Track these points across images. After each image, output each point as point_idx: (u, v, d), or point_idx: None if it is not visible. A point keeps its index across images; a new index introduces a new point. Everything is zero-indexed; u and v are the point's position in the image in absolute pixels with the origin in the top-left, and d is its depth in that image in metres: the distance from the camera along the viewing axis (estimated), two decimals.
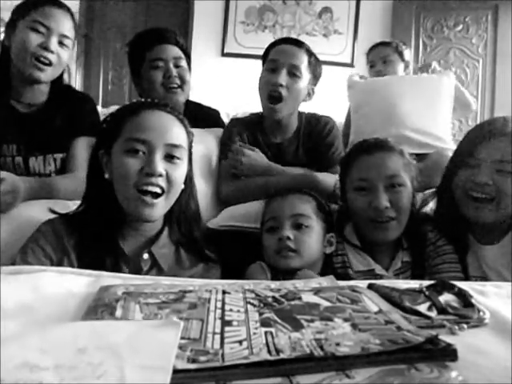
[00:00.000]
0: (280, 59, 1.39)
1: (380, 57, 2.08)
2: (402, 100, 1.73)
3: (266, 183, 1.31)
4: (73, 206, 1.09)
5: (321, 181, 1.29)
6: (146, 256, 0.96)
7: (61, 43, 1.27)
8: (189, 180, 1.03)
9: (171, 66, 1.48)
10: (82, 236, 0.95)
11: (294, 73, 1.38)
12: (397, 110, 1.71)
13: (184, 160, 0.97)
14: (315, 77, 1.45)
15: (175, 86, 1.49)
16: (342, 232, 1.15)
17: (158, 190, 0.92)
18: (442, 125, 1.76)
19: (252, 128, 1.47)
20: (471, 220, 1.08)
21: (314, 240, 1.06)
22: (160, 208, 0.94)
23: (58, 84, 1.36)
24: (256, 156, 1.36)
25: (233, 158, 1.35)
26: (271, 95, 1.38)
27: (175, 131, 0.96)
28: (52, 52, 1.24)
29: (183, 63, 1.52)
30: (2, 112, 1.28)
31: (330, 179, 1.28)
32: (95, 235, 0.95)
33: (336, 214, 1.19)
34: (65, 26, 1.27)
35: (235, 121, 1.53)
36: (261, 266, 1.04)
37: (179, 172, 0.96)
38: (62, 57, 1.28)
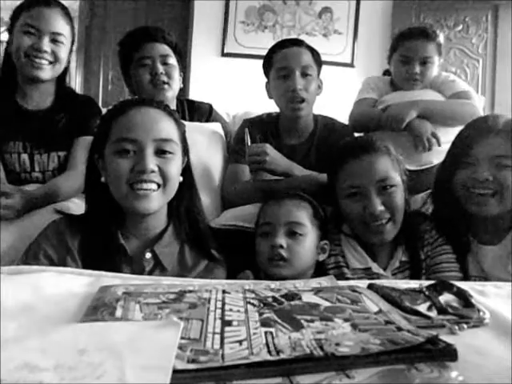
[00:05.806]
0: (290, 65, 1.38)
1: (420, 56, 1.53)
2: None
3: (289, 186, 1.27)
4: (74, 206, 1.09)
5: None
6: (148, 255, 0.95)
7: (54, 41, 1.29)
8: (188, 172, 1.03)
9: (158, 63, 1.49)
10: (84, 236, 0.95)
11: (306, 73, 1.39)
12: None
13: (177, 154, 0.96)
14: (320, 68, 1.46)
15: (162, 83, 1.49)
16: (340, 228, 1.14)
17: (154, 187, 0.91)
18: None
19: (264, 129, 1.46)
20: (476, 214, 1.08)
21: (307, 249, 1.04)
22: (156, 200, 0.92)
23: (62, 86, 1.39)
24: (277, 153, 1.33)
25: (254, 156, 1.29)
26: (293, 100, 1.37)
27: (163, 126, 0.95)
28: (45, 52, 1.27)
29: (171, 61, 1.52)
30: (8, 111, 1.31)
31: None
32: (97, 236, 0.95)
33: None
34: (56, 24, 1.29)
35: (247, 122, 1.52)
36: (246, 276, 1.03)
37: (173, 166, 0.94)
38: (58, 53, 1.30)
